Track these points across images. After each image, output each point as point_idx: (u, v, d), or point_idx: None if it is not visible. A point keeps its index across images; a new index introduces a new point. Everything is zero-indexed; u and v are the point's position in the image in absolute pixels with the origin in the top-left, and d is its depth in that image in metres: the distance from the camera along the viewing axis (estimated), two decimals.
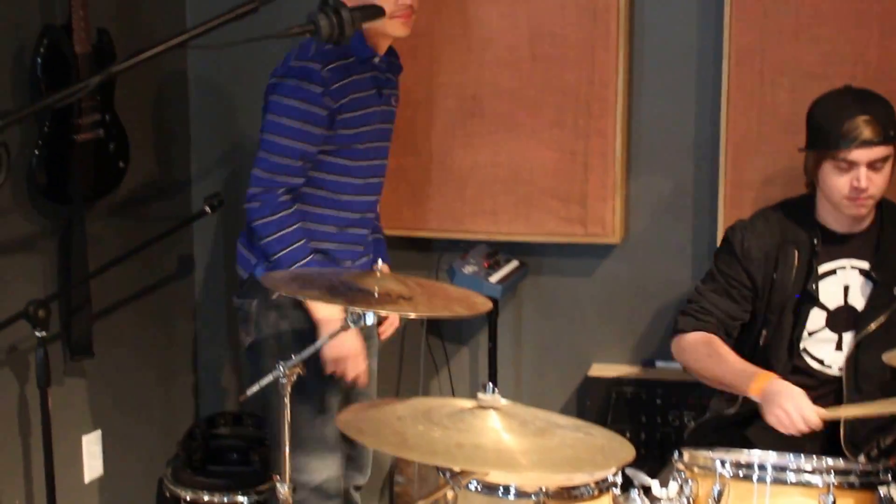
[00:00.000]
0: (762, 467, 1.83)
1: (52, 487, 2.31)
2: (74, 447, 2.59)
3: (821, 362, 2.16)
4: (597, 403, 2.64)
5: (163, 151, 2.86)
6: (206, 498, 2.62)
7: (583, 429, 1.62)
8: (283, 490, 1.88)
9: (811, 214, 2.17)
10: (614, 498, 1.84)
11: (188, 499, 2.63)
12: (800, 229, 2.16)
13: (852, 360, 2.13)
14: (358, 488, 2.44)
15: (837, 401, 2.13)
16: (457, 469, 1.55)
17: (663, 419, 2.58)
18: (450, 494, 1.60)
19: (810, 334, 2.16)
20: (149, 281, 2.81)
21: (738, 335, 2.24)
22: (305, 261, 2.14)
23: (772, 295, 2.15)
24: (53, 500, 2.30)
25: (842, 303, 2.14)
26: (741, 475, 1.84)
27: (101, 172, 2.49)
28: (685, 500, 1.84)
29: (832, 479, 1.80)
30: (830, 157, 2.06)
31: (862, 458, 1.99)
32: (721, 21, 2.52)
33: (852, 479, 1.82)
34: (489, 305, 1.89)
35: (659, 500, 1.84)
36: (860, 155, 2.03)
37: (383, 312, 2.19)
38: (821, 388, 2.14)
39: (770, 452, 1.89)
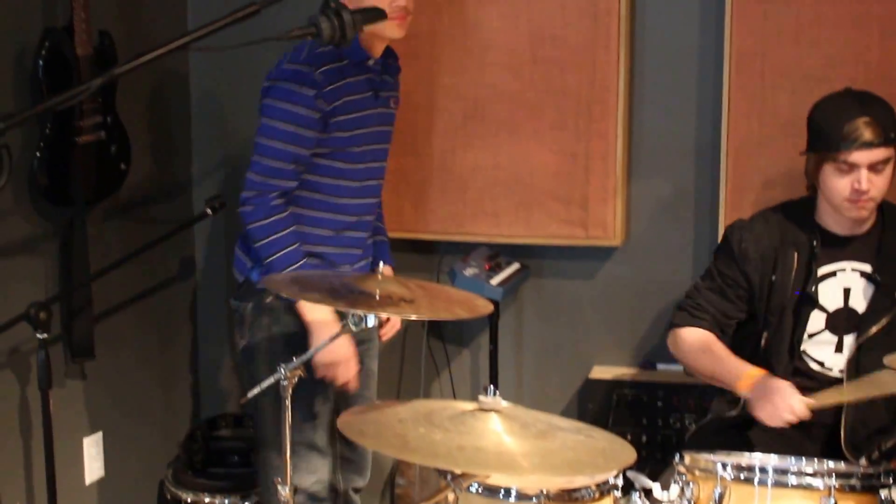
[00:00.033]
0: (763, 470, 1.83)
1: (53, 489, 2.31)
2: (75, 449, 2.60)
3: (821, 364, 2.16)
4: (598, 406, 2.64)
5: (164, 153, 2.87)
6: (206, 500, 2.62)
7: (584, 431, 1.62)
8: (284, 492, 1.88)
9: (811, 216, 2.18)
10: (615, 500, 1.84)
11: (189, 501, 2.63)
12: (799, 231, 2.17)
13: (853, 363, 2.13)
14: (357, 490, 2.44)
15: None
16: (458, 471, 1.55)
17: (664, 421, 2.58)
18: (451, 497, 1.60)
19: (810, 336, 2.16)
20: (150, 283, 2.81)
21: (739, 337, 2.25)
22: (298, 264, 2.13)
23: (771, 297, 2.16)
24: (54, 501, 2.30)
25: (842, 305, 2.15)
26: (742, 478, 1.83)
27: (103, 174, 2.49)
28: (686, 503, 1.84)
29: (833, 481, 1.80)
30: (831, 159, 2.07)
31: (863, 461, 1.99)
32: (722, 24, 2.52)
33: (853, 481, 1.82)
34: (490, 308, 1.89)
35: (660, 502, 1.84)
36: (861, 157, 2.04)
37: (384, 315, 2.20)
38: (822, 389, 2.14)
39: (771, 455, 1.90)
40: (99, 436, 2.65)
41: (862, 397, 2.04)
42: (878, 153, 2.04)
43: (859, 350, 2.13)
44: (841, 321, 2.14)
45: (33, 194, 2.40)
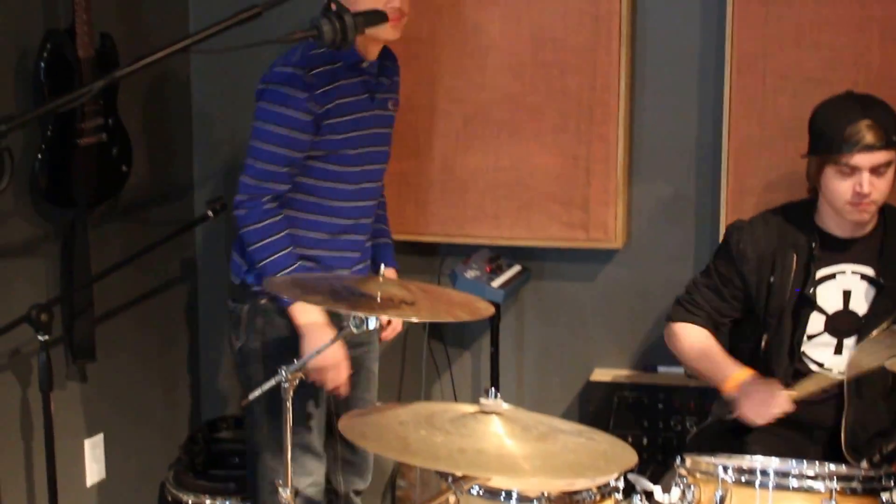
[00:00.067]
0: (764, 473, 1.83)
1: (54, 491, 2.32)
2: (77, 451, 2.60)
3: (821, 366, 2.16)
4: (598, 408, 2.64)
5: (165, 155, 2.87)
6: (207, 502, 2.62)
7: (585, 434, 1.63)
8: (285, 494, 1.88)
9: (811, 218, 2.18)
10: (616, 503, 1.84)
11: (190, 502, 2.63)
12: (799, 233, 2.17)
13: None
14: (358, 493, 2.44)
15: (839, 405, 2.13)
16: (459, 474, 1.55)
17: (665, 424, 2.58)
18: (452, 499, 1.60)
19: (810, 338, 2.16)
20: (151, 285, 2.82)
21: (739, 339, 2.25)
22: (291, 268, 2.13)
23: (770, 299, 2.16)
24: (55, 503, 2.30)
25: (841, 307, 2.15)
26: (743, 481, 1.83)
27: (104, 176, 2.50)
28: None
29: (835, 484, 1.80)
30: (833, 161, 2.07)
31: (864, 464, 1.99)
32: (723, 26, 2.52)
33: (855, 484, 1.82)
34: (491, 310, 1.89)
35: None
36: (862, 160, 2.04)
37: (385, 317, 2.19)
38: (821, 392, 2.14)
39: (772, 458, 1.90)
40: (100, 437, 2.66)
41: (839, 380, 2.07)
42: (880, 156, 2.04)
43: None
44: (841, 324, 2.14)
45: (34, 196, 2.40)
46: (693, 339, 2.24)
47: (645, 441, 2.58)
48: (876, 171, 2.05)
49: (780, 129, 2.49)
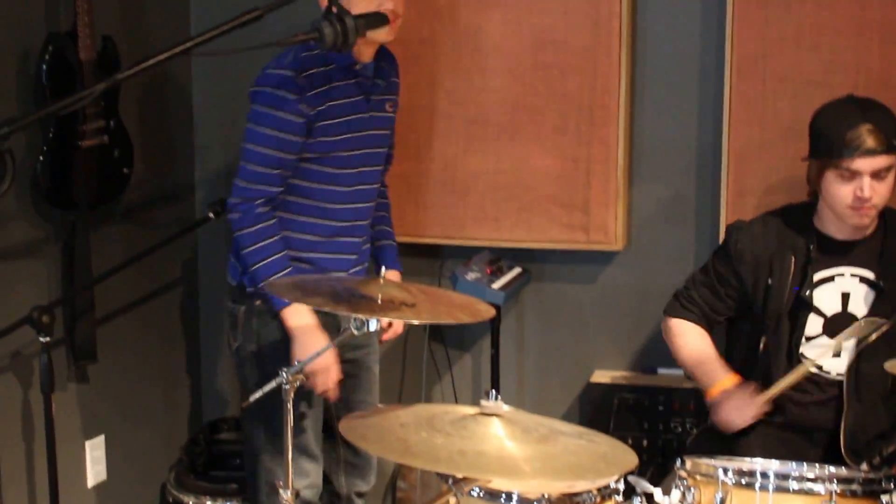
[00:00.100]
0: (765, 475, 1.83)
1: (55, 492, 2.32)
2: (78, 452, 2.60)
3: (819, 368, 2.16)
4: (599, 410, 2.64)
5: (167, 157, 2.87)
6: (208, 503, 2.62)
7: (585, 436, 1.63)
8: (286, 496, 1.89)
9: (810, 221, 2.18)
10: None
11: None
12: (797, 236, 2.17)
13: (853, 370, 2.14)
14: (360, 495, 2.44)
15: (838, 407, 2.13)
16: (459, 476, 1.56)
17: (665, 426, 2.58)
18: (452, 501, 1.60)
19: (808, 340, 2.16)
20: (152, 287, 2.82)
21: (738, 341, 2.26)
22: (282, 273, 2.13)
23: (768, 301, 2.16)
24: None
25: (840, 310, 2.15)
26: (744, 483, 1.84)
27: (106, 178, 2.50)
28: None
29: (835, 486, 1.81)
30: (833, 166, 2.07)
31: (864, 466, 2.00)
32: (723, 29, 2.52)
33: (855, 486, 1.83)
34: (492, 312, 1.89)
35: None
36: (863, 164, 2.04)
37: (386, 319, 2.20)
38: (821, 393, 2.15)
39: (772, 460, 1.90)
40: (101, 439, 2.66)
41: (804, 373, 2.09)
42: (881, 161, 2.05)
43: (860, 357, 2.13)
44: (839, 326, 2.14)
45: (36, 198, 2.40)
46: (689, 340, 2.25)
47: (645, 443, 2.58)
48: (876, 175, 2.05)
49: (780, 131, 2.49)
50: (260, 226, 2.14)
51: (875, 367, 2.04)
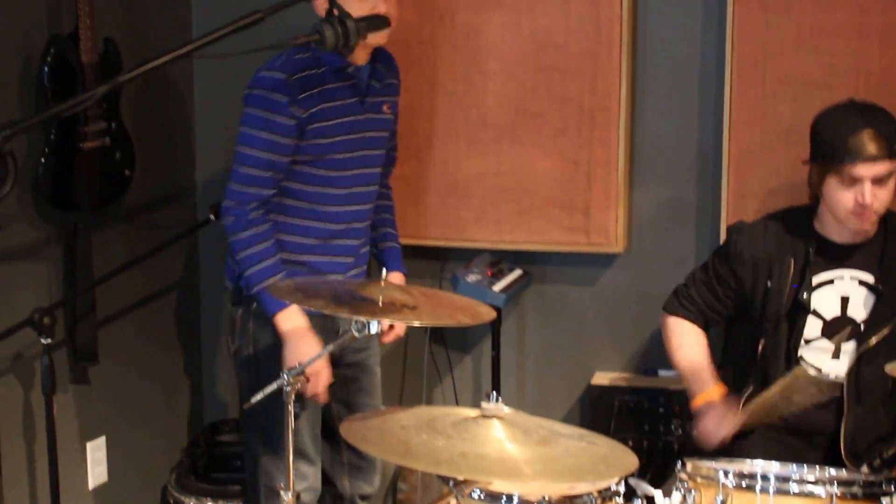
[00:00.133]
0: (765, 477, 1.84)
1: (56, 494, 2.32)
2: (79, 453, 2.60)
3: (819, 370, 2.16)
4: (599, 412, 2.64)
5: (168, 159, 2.88)
6: None
7: (586, 438, 1.63)
8: (287, 498, 1.89)
9: (810, 224, 2.19)
10: None
11: None
12: (797, 239, 2.18)
13: (854, 374, 2.14)
14: (365, 497, 2.43)
15: (839, 410, 2.13)
16: (460, 478, 1.56)
17: (666, 428, 2.58)
18: (453, 503, 1.60)
19: (807, 342, 2.17)
20: (153, 288, 2.82)
21: (737, 344, 2.26)
22: (276, 278, 2.13)
23: (767, 303, 2.17)
24: None
25: (839, 313, 2.15)
26: (744, 485, 1.84)
27: (107, 180, 2.50)
28: None
29: (835, 489, 1.81)
30: (835, 171, 2.07)
31: (864, 469, 2.00)
32: (724, 32, 2.53)
33: (855, 489, 1.83)
34: (493, 314, 1.89)
35: None
36: (864, 170, 2.04)
37: (387, 321, 2.20)
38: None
39: (773, 463, 1.90)
40: (102, 440, 2.66)
41: (790, 385, 2.06)
42: (882, 167, 2.05)
43: (860, 360, 2.13)
44: (838, 329, 2.15)
45: (38, 200, 2.41)
46: (684, 343, 2.26)
47: (645, 445, 2.58)
48: (878, 181, 2.05)
49: (781, 133, 2.50)
50: (252, 231, 2.14)
51: (875, 370, 2.04)
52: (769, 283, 2.16)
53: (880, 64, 2.44)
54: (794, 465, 1.89)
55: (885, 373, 1.90)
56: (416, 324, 2.26)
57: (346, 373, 2.34)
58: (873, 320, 2.14)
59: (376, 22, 2.06)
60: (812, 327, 2.16)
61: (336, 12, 1.96)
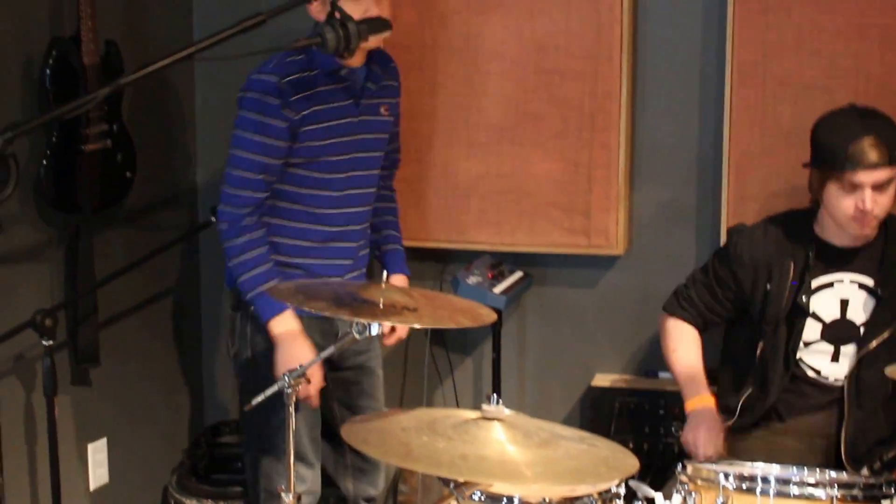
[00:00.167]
0: (766, 480, 1.84)
1: (57, 495, 2.33)
2: (80, 455, 2.61)
3: (818, 372, 2.17)
4: (600, 414, 2.64)
5: (169, 162, 2.88)
6: None
7: (587, 440, 1.63)
8: (288, 500, 1.89)
9: (810, 227, 2.19)
10: None
11: None
12: (797, 242, 2.18)
13: (854, 377, 2.14)
14: (369, 500, 2.43)
15: (840, 414, 2.14)
16: (461, 480, 1.56)
17: (666, 430, 2.58)
18: None
19: (806, 345, 2.17)
20: (155, 290, 2.83)
21: (736, 346, 2.27)
22: (268, 285, 2.13)
23: (766, 306, 2.17)
24: None
25: (838, 316, 2.15)
26: (744, 488, 1.84)
27: (109, 182, 2.51)
28: None
29: (835, 492, 1.81)
30: (835, 178, 2.07)
31: (865, 471, 2.00)
32: (724, 34, 2.53)
33: (856, 492, 1.83)
34: (493, 317, 1.89)
35: None
36: (865, 177, 2.04)
37: (388, 324, 2.20)
38: (821, 397, 2.15)
39: (773, 465, 1.90)
40: (103, 442, 2.66)
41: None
42: (883, 173, 2.04)
43: (860, 364, 2.14)
44: (837, 332, 2.15)
45: (39, 202, 2.41)
46: (681, 346, 2.26)
47: (646, 447, 2.58)
48: (878, 186, 2.05)
49: (781, 135, 2.50)
50: (246, 237, 2.14)
51: (875, 373, 2.05)
52: (769, 286, 2.17)
53: (880, 66, 2.44)
54: (795, 467, 1.89)
55: (885, 376, 1.90)
56: (417, 326, 2.26)
57: (347, 375, 2.34)
58: (873, 323, 2.14)
59: (378, 25, 2.07)
60: (811, 330, 2.16)
61: (338, 15, 1.96)
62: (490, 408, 1.59)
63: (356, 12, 2.05)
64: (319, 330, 2.21)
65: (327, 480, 2.39)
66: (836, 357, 2.16)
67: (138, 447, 2.77)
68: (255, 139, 2.12)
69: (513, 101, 2.65)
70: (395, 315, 1.80)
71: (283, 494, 1.89)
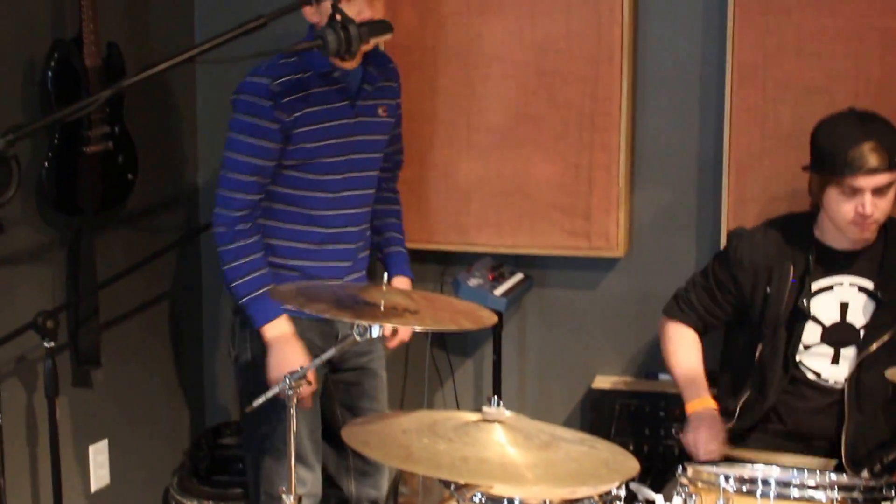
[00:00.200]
0: (766, 482, 1.84)
1: (58, 496, 2.33)
2: (81, 456, 2.61)
3: (818, 375, 2.17)
4: (600, 416, 2.64)
5: (171, 163, 2.89)
6: None
7: (587, 442, 1.63)
8: (289, 501, 1.89)
9: (810, 231, 2.19)
10: None
11: None
12: (797, 245, 2.18)
13: (854, 380, 2.14)
14: (372, 502, 2.42)
15: (840, 416, 2.14)
16: (461, 482, 1.56)
17: (666, 432, 2.59)
18: None
19: (806, 348, 2.17)
20: (156, 292, 2.83)
21: (736, 349, 2.27)
22: (261, 291, 2.13)
23: (766, 309, 2.17)
24: None
25: (838, 319, 2.16)
26: (745, 490, 1.84)
27: (110, 184, 2.51)
28: None
29: (836, 494, 1.81)
30: (835, 182, 2.07)
31: (865, 474, 2.00)
32: (724, 36, 2.53)
33: (856, 494, 1.83)
34: (494, 319, 1.89)
35: None
36: (865, 182, 2.04)
37: (389, 326, 2.20)
38: (821, 399, 2.15)
39: (774, 467, 1.90)
40: (104, 443, 2.67)
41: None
42: (883, 178, 2.05)
43: (860, 367, 2.14)
44: (837, 335, 2.15)
45: (41, 204, 2.42)
46: (680, 349, 2.27)
47: (646, 449, 2.58)
48: (878, 191, 2.05)
49: (781, 138, 2.50)
50: (240, 243, 2.14)
51: (875, 376, 2.05)
52: (768, 289, 2.17)
53: (881, 68, 2.44)
54: (795, 469, 1.89)
55: (885, 379, 1.90)
56: (418, 328, 2.26)
57: (347, 377, 2.34)
58: (873, 326, 2.14)
59: (379, 27, 2.07)
60: (811, 333, 2.16)
61: (339, 17, 1.97)
62: (490, 410, 1.59)
63: (350, 14, 2.05)
64: (319, 332, 2.22)
65: (330, 482, 2.39)
66: (836, 360, 2.16)
67: (139, 448, 2.78)
68: (248, 141, 2.12)
69: (513, 103, 2.65)
70: (396, 317, 1.80)
71: (283, 496, 1.89)
